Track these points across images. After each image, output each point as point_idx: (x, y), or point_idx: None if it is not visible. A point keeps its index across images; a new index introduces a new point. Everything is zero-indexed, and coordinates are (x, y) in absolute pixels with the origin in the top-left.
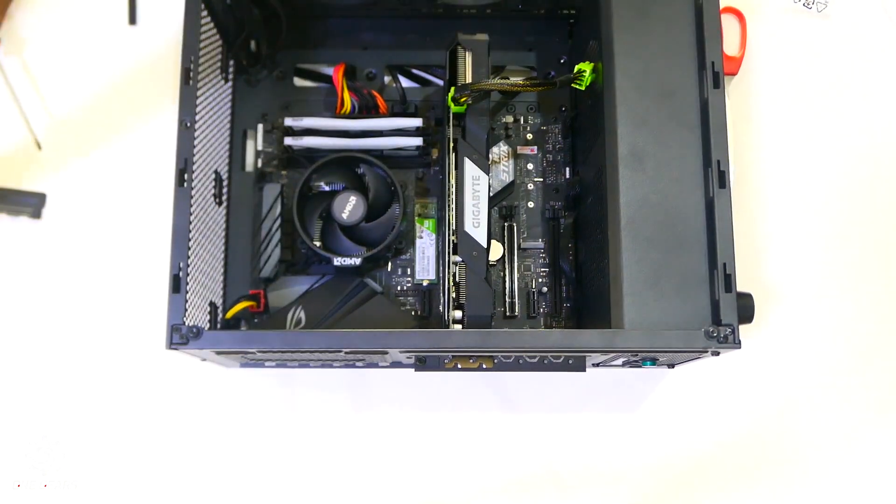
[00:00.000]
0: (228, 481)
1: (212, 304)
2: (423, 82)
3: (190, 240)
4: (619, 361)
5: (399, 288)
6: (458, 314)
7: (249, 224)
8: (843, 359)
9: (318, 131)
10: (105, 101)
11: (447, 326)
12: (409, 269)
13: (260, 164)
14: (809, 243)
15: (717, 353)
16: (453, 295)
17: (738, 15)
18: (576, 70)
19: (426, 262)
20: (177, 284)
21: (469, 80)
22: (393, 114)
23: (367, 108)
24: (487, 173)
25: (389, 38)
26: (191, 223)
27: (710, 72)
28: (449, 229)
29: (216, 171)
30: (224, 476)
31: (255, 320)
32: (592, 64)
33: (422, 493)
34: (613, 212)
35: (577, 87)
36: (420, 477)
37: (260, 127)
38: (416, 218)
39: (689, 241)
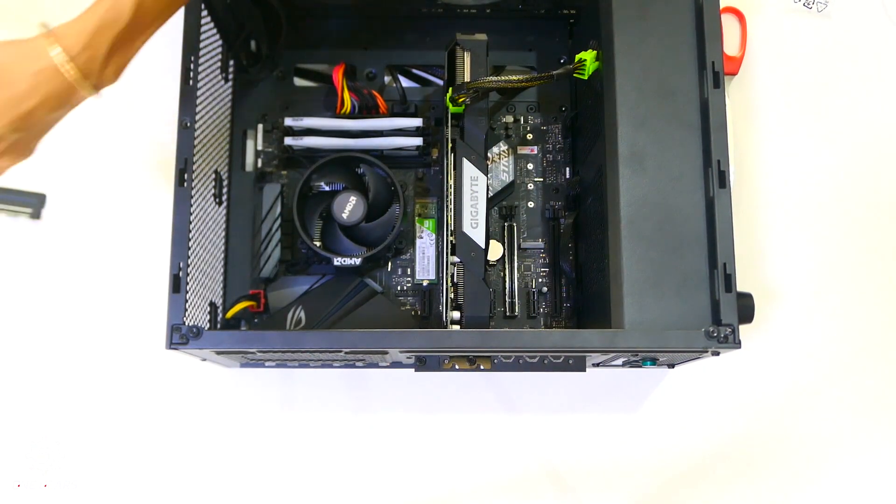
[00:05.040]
0: (228, 481)
1: (212, 304)
2: (423, 82)
3: (190, 240)
4: (619, 361)
5: (399, 288)
6: (456, 315)
7: (249, 224)
8: (843, 359)
9: (318, 131)
10: (105, 101)
11: (446, 327)
12: (409, 269)
13: (260, 164)
14: (809, 243)
15: (717, 353)
16: (452, 296)
17: (739, 15)
18: (577, 59)
19: (426, 262)
20: (177, 284)
21: (467, 80)
22: (393, 114)
23: (367, 108)
24: (486, 174)
25: (389, 38)
26: (191, 223)
27: (710, 72)
28: (447, 230)
29: (216, 171)
30: (224, 476)
31: (255, 320)
32: (594, 52)
33: (422, 492)
34: (613, 212)
35: (580, 76)
36: (420, 477)
37: (260, 127)
38: (416, 218)
39: (690, 240)
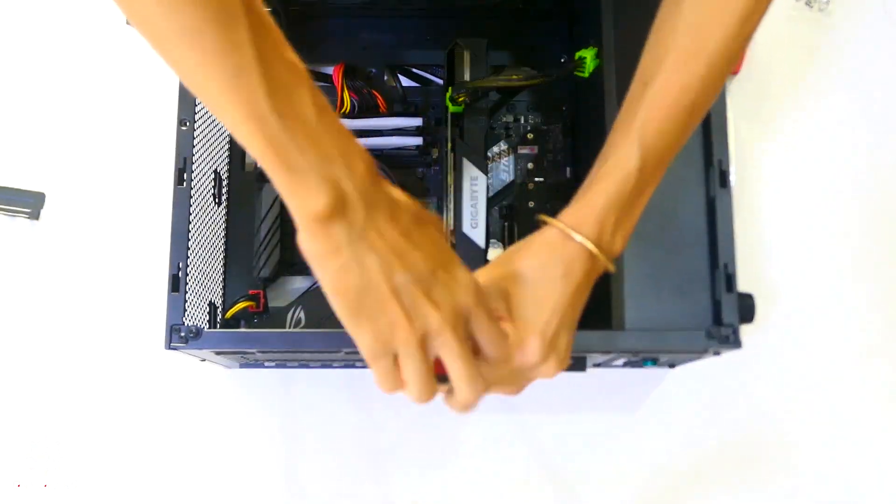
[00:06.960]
0: (228, 481)
1: (211, 304)
2: (424, 82)
3: (189, 240)
4: (620, 361)
5: None
6: None
7: (249, 224)
8: (842, 359)
9: None
10: (105, 101)
11: None
12: None
13: None
14: (810, 243)
15: (718, 353)
16: None
17: None
18: (577, 57)
19: None
20: (176, 284)
21: (467, 79)
22: (393, 113)
23: (367, 108)
24: (486, 173)
25: (389, 38)
26: (190, 223)
27: None
28: (447, 230)
29: (216, 171)
30: (224, 476)
31: (255, 320)
32: (594, 50)
33: (422, 492)
34: None
35: (580, 75)
36: (420, 476)
37: None
38: None
39: (691, 241)
